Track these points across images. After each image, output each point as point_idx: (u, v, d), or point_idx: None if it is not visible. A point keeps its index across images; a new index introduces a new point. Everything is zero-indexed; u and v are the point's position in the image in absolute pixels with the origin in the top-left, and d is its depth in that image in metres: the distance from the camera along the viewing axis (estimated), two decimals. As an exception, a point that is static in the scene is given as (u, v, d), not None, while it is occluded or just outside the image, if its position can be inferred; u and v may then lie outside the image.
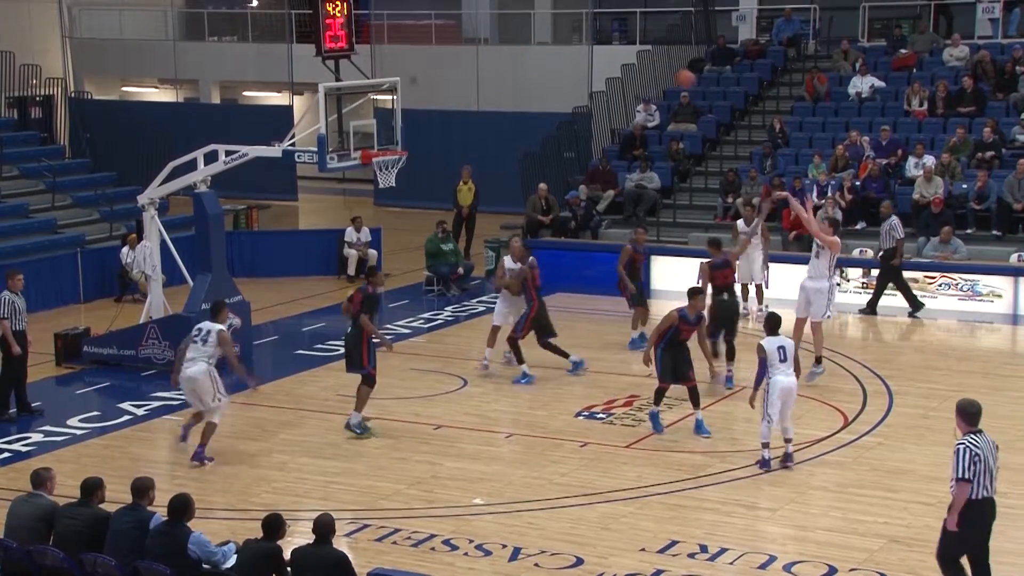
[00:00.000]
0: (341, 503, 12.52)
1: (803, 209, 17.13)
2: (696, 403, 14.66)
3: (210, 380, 13.94)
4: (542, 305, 16.84)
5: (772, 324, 13.58)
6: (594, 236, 24.35)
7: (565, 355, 17.00)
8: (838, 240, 16.66)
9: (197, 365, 13.88)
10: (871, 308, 20.27)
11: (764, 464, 13.40)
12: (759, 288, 19.88)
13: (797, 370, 13.45)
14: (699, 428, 14.61)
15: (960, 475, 9.47)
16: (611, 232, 24.48)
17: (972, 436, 9.61)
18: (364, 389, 14.79)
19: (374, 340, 14.80)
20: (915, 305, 20.08)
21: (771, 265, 19.93)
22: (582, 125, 27.81)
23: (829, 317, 16.77)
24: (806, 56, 28.26)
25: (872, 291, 20.43)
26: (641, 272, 18.82)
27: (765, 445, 13.42)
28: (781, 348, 13.23)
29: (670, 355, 14.57)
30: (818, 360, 16.62)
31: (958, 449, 9.57)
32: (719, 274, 16.99)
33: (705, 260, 17.28)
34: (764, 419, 13.37)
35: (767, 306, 19.42)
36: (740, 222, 20.06)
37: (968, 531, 9.64)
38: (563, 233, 24.10)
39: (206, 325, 14.16)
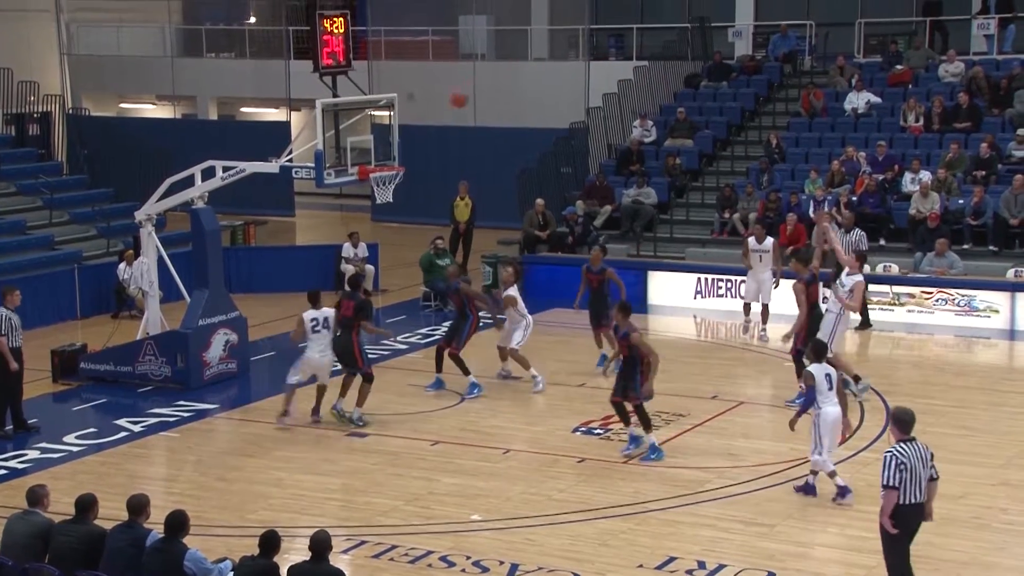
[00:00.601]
0: (338, 519, 12.49)
1: (836, 240, 17.05)
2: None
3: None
4: (477, 321, 17.14)
5: (819, 351, 13.10)
6: (588, 251, 24.24)
7: (466, 372, 17.05)
8: (862, 280, 16.29)
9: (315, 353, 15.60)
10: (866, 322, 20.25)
11: (843, 492, 12.92)
12: (765, 308, 19.57)
13: (843, 401, 13.02)
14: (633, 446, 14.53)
15: (885, 482, 9.74)
16: (608, 248, 24.37)
17: (901, 444, 9.81)
18: (365, 386, 15.62)
19: (373, 336, 16.25)
20: (866, 322, 20.03)
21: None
22: (579, 141, 27.83)
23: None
24: (802, 72, 28.31)
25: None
26: (602, 290, 17.89)
27: (832, 474, 12.97)
28: (828, 376, 12.82)
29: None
30: (856, 378, 16.36)
31: (885, 457, 9.81)
32: (813, 290, 16.18)
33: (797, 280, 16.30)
34: (816, 450, 12.93)
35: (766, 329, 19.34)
36: (752, 239, 19.66)
37: (901, 535, 9.89)
38: (560, 248, 24.10)
39: (319, 314, 15.73)
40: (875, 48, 28.12)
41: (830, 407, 12.77)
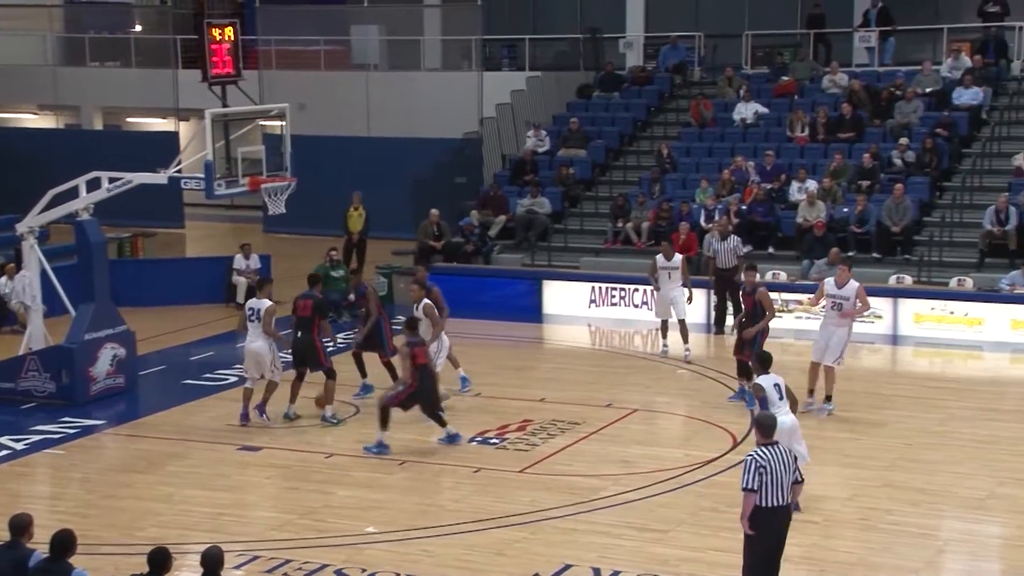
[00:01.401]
0: (230, 535, 12.29)
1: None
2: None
3: (269, 353, 15.81)
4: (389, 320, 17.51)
5: (764, 362, 12.97)
6: (486, 261, 24.34)
7: (363, 375, 17.25)
8: (858, 284, 16.48)
9: (257, 341, 15.75)
10: (719, 326, 20.55)
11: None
12: (683, 324, 19.24)
13: (793, 406, 12.96)
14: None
15: (744, 485, 9.91)
16: (503, 257, 24.52)
17: (762, 448, 10.00)
18: (330, 383, 16.03)
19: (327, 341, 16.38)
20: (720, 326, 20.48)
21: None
22: (473, 151, 27.84)
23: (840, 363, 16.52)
24: (692, 83, 28.67)
25: (719, 311, 20.66)
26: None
27: None
28: (777, 386, 12.69)
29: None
30: (828, 398, 16.44)
31: (745, 460, 9.99)
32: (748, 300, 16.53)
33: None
34: None
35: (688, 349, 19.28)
36: (660, 256, 19.34)
37: (759, 537, 10.04)
38: (456, 259, 24.06)
39: (254, 303, 15.90)
40: (762, 59, 28.58)
41: (783, 417, 12.34)
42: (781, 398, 12.62)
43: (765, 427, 10.12)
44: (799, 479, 10.19)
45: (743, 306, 16.94)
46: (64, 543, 9.20)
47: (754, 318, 16.38)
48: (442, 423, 15.10)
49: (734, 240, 20.30)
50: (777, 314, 20.34)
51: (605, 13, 31.61)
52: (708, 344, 20.41)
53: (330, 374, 16.02)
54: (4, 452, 15.14)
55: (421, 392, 14.81)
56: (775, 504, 9.93)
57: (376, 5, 32.97)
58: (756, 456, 9.90)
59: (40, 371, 17.22)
